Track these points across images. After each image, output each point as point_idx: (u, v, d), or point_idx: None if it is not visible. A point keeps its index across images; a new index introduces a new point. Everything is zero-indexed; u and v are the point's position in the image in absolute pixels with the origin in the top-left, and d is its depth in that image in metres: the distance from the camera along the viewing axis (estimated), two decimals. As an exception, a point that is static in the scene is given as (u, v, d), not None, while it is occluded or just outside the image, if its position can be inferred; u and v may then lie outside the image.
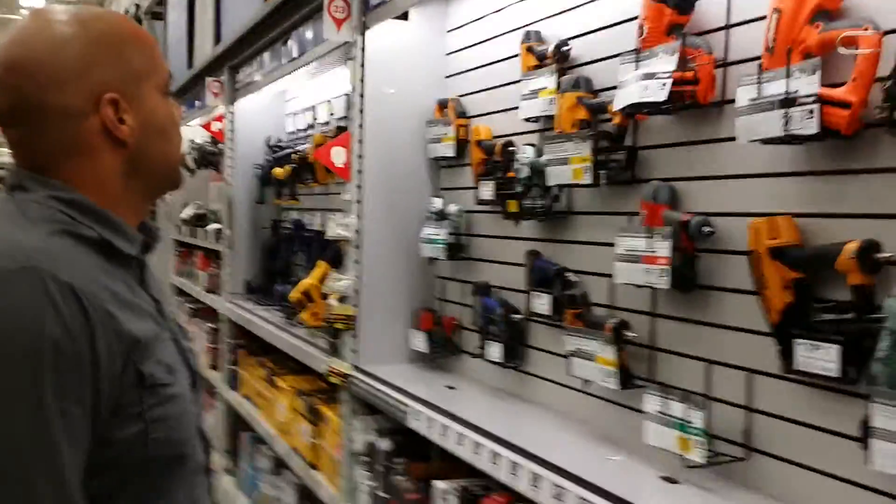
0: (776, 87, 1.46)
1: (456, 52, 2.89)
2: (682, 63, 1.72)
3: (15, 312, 1.01)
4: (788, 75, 1.44)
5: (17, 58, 1.14)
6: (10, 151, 1.20)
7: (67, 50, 1.14)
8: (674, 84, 1.70)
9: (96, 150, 1.17)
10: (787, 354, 1.53)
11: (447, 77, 2.94)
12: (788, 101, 1.43)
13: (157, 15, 7.87)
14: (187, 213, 5.63)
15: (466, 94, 2.80)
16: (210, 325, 4.97)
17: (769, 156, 1.62)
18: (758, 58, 1.59)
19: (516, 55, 2.45)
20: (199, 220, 5.39)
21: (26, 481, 0.99)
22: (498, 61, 2.63)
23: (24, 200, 1.14)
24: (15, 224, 1.10)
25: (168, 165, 1.26)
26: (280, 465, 3.77)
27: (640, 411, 1.87)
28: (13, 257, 1.04)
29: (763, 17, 1.61)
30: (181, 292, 5.98)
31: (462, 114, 2.77)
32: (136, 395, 1.09)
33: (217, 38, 4.85)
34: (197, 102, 5.55)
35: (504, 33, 2.59)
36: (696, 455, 1.68)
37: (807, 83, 1.42)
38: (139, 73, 1.20)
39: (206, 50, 5.00)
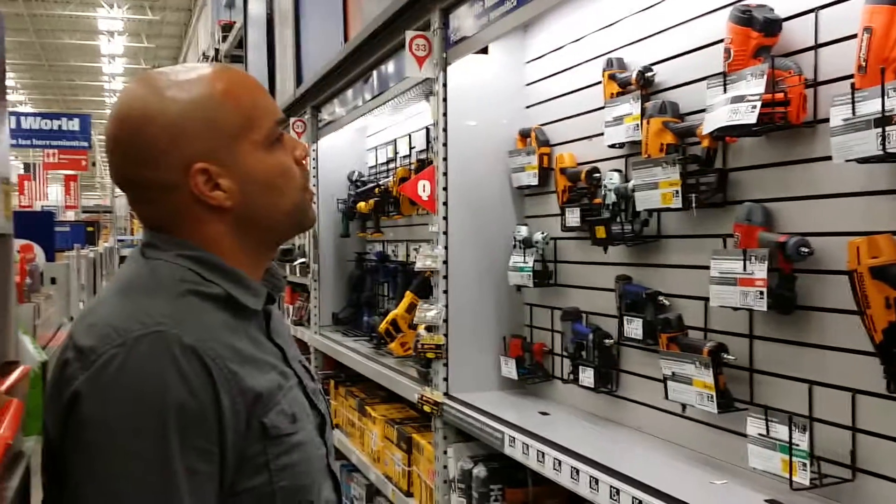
0: (871, 106, 1.46)
1: (535, 82, 2.94)
2: (772, 85, 1.73)
3: (141, 376, 1.05)
4: (883, 94, 1.44)
5: (113, 136, 1.19)
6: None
7: (155, 127, 1.16)
8: (764, 106, 1.72)
9: (199, 217, 1.19)
10: (892, 374, 1.52)
11: (527, 107, 2.99)
12: (884, 120, 1.43)
13: (237, 58, 8.16)
14: (273, 248, 5.78)
15: (547, 123, 2.84)
16: (299, 356, 5.08)
17: (866, 174, 1.62)
18: (849, 76, 1.59)
19: (597, 83, 2.48)
20: (285, 255, 5.53)
21: None
22: (578, 89, 2.67)
23: (155, 261, 1.19)
24: (145, 288, 1.15)
25: (283, 215, 1.24)
26: (374, 494, 3.83)
27: (740, 434, 1.87)
28: (141, 322, 1.08)
29: (852, 36, 1.62)
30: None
31: (544, 142, 2.81)
32: (261, 447, 1.12)
33: (298, 80, 5.01)
34: (280, 141, 5.72)
35: (584, 62, 2.63)
36: (802, 477, 1.67)
37: (903, 101, 1.42)
38: (232, 134, 1.19)
39: (287, 91, 5.17)
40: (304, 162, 1.28)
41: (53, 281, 3.25)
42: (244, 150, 1.19)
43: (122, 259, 11.62)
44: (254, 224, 1.22)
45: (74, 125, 18.84)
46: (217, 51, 9.09)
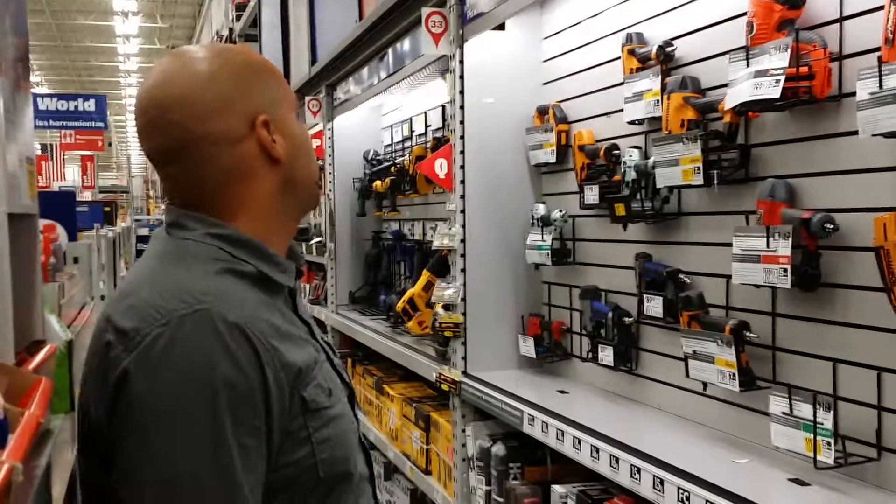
0: (899, 79, 1.43)
1: (552, 58, 2.91)
2: (796, 58, 1.70)
3: (189, 355, 1.06)
4: (913, 66, 1.40)
5: (169, 95, 1.19)
6: (164, 188, 1.26)
7: (218, 80, 1.20)
8: (787, 80, 1.69)
9: (255, 172, 1.22)
10: (920, 351, 1.49)
11: (545, 84, 2.95)
12: (914, 93, 1.40)
13: (251, 37, 8.14)
14: (289, 227, 5.79)
15: (565, 100, 2.81)
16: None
17: (893, 149, 1.59)
18: (875, 49, 1.56)
19: (616, 58, 2.45)
20: (302, 234, 5.54)
21: None
22: (596, 66, 2.63)
23: (183, 240, 1.19)
24: (180, 266, 1.15)
25: (312, 181, 1.32)
26: (392, 471, 3.84)
27: (762, 413, 1.85)
28: (183, 300, 1.09)
29: (878, 9, 1.58)
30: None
31: (562, 119, 2.78)
32: (302, 421, 1.14)
33: (313, 58, 4.98)
34: (295, 120, 5.71)
35: (602, 37, 2.59)
36: (826, 456, 1.66)
37: (933, 74, 1.38)
38: (278, 97, 1.26)
39: (302, 70, 5.14)
40: None
41: (76, 260, 3.26)
42: (286, 112, 1.26)
43: (140, 238, 11.66)
44: (295, 184, 1.27)
45: (90, 106, 18.85)
46: (231, 30, 9.07)
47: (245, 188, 1.22)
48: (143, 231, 13.47)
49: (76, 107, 18.66)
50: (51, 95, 19.51)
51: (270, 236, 1.24)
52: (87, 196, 20.52)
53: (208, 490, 1.04)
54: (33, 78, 31.33)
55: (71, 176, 28.01)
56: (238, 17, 8.76)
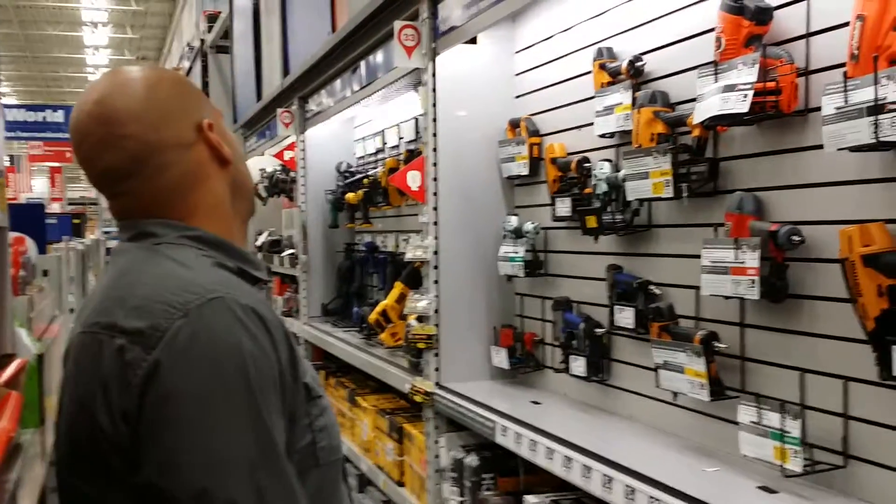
0: (863, 95, 1.46)
1: (525, 72, 2.94)
2: (763, 73, 1.73)
3: (216, 341, 1.07)
4: (876, 82, 1.44)
5: (117, 110, 1.20)
6: (116, 207, 1.25)
7: (159, 91, 1.24)
8: (755, 95, 1.72)
9: (208, 175, 1.26)
10: (884, 361, 1.52)
11: (517, 97, 2.98)
12: (877, 108, 1.43)
13: (223, 49, 8.09)
14: (262, 240, 5.77)
15: (537, 113, 2.84)
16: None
17: (858, 163, 1.62)
18: (841, 65, 1.59)
19: (587, 72, 2.48)
20: (274, 247, 5.52)
21: (260, 491, 1.04)
22: (568, 79, 2.66)
23: (158, 245, 1.20)
24: (171, 265, 1.16)
25: (251, 186, 1.39)
26: (366, 483, 3.83)
27: (732, 422, 1.88)
28: (194, 292, 1.10)
29: (843, 25, 1.62)
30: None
31: (534, 132, 2.81)
32: (304, 408, 1.16)
33: (285, 70, 4.98)
34: (267, 132, 5.70)
35: (573, 51, 2.62)
36: (794, 464, 1.68)
37: (895, 90, 1.42)
38: (210, 108, 1.32)
39: (274, 82, 5.13)
40: None
41: (45, 273, 3.24)
42: (220, 121, 1.31)
43: (108, 251, 11.54)
44: (239, 186, 1.33)
45: (59, 117, 18.65)
46: (202, 41, 9.00)
47: (200, 193, 1.25)
48: (113, 243, 13.35)
49: (44, 118, 18.45)
50: (19, 106, 19.30)
51: (230, 238, 1.27)
52: (55, 208, 20.27)
53: (257, 467, 1.05)
54: (1, 89, 30.94)
55: (39, 188, 27.66)
56: (209, 29, 8.70)
